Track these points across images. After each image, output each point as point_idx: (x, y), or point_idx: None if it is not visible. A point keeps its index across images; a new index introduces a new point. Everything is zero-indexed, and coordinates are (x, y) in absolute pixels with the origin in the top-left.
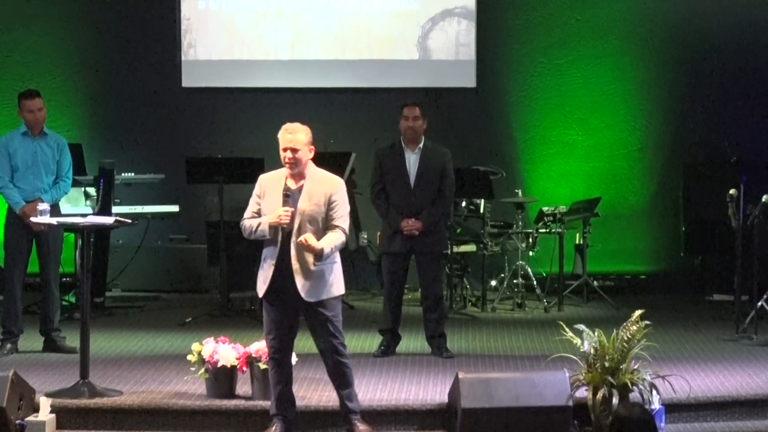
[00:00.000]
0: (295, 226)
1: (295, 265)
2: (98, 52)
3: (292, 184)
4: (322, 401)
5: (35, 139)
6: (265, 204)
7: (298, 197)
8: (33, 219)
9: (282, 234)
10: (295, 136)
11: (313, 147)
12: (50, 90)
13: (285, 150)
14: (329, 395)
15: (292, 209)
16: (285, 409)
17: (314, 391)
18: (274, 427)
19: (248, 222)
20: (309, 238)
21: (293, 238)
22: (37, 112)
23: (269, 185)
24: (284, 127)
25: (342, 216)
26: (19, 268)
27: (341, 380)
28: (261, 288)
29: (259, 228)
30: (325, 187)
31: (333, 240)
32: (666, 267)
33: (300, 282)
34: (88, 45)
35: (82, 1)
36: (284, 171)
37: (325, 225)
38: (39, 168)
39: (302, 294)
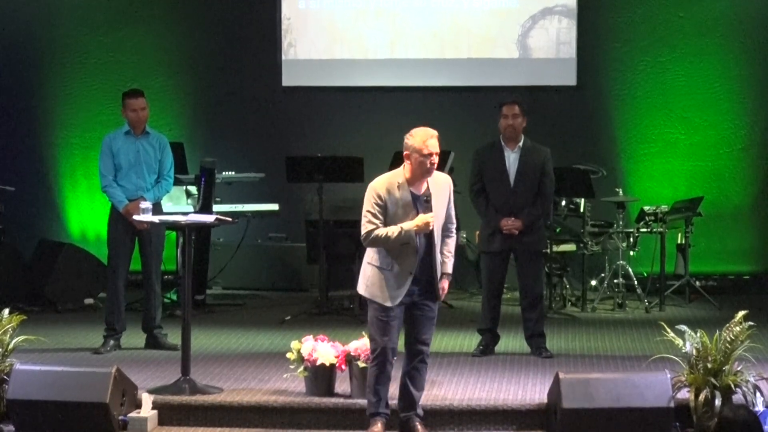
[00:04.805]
0: (436, 229)
1: (437, 266)
2: (200, 52)
3: (417, 189)
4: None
5: (138, 138)
6: (395, 212)
7: (432, 201)
8: (136, 217)
9: (419, 240)
10: (436, 140)
11: None
12: (153, 89)
13: (430, 155)
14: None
15: (434, 214)
16: (386, 407)
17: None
18: (377, 425)
19: (381, 231)
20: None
21: (435, 241)
22: (140, 112)
23: (392, 192)
24: (424, 132)
25: (453, 216)
26: (122, 265)
27: (420, 382)
28: (392, 296)
29: (402, 234)
30: (444, 186)
31: (453, 251)
32: None
33: (441, 282)
34: (190, 45)
35: (185, 2)
36: (396, 175)
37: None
38: (141, 167)
39: (442, 294)
